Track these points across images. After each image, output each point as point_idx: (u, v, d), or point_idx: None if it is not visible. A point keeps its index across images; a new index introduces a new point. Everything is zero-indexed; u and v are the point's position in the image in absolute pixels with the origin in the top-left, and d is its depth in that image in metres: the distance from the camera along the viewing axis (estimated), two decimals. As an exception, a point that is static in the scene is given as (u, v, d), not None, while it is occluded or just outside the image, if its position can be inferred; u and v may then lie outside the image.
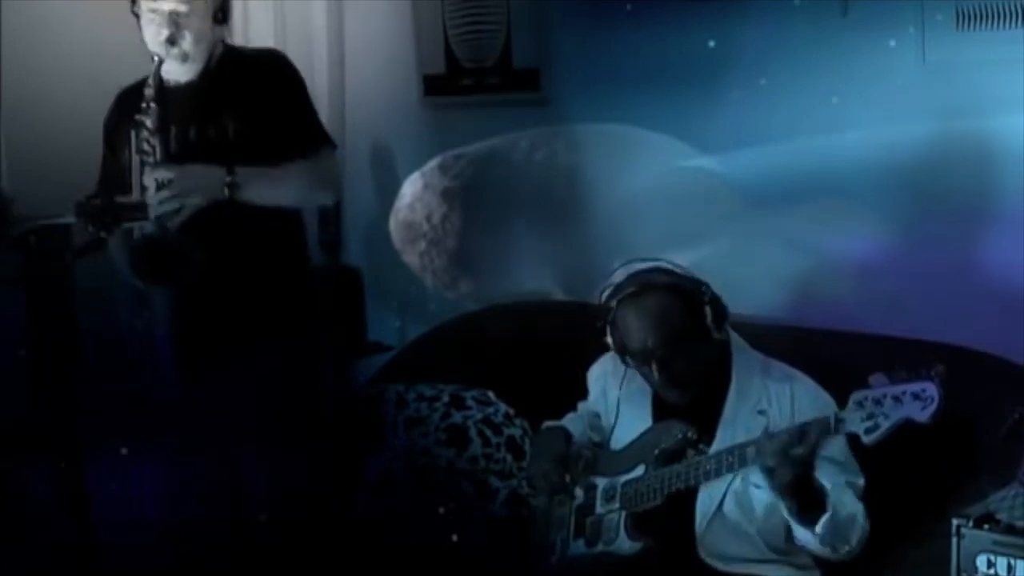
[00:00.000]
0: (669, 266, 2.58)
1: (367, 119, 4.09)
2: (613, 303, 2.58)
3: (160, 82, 2.75)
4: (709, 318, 2.52)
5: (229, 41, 2.93)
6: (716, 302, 2.54)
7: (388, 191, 4.12)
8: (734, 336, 2.62)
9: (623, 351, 2.59)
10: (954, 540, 2.06)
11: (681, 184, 3.41)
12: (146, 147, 2.69)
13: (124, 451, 2.91)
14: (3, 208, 3.15)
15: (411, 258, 4.10)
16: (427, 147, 4.03)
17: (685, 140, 3.41)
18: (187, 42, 2.77)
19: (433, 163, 4.01)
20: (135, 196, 2.69)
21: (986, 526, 2.04)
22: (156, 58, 2.74)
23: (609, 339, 2.61)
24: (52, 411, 2.65)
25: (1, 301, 2.77)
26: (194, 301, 2.75)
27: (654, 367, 2.52)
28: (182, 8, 2.75)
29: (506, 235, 3.84)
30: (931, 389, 2.11)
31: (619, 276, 2.61)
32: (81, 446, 2.68)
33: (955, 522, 2.06)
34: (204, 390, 2.80)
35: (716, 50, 3.27)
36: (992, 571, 2.02)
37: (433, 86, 3.99)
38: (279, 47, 3.96)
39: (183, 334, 2.80)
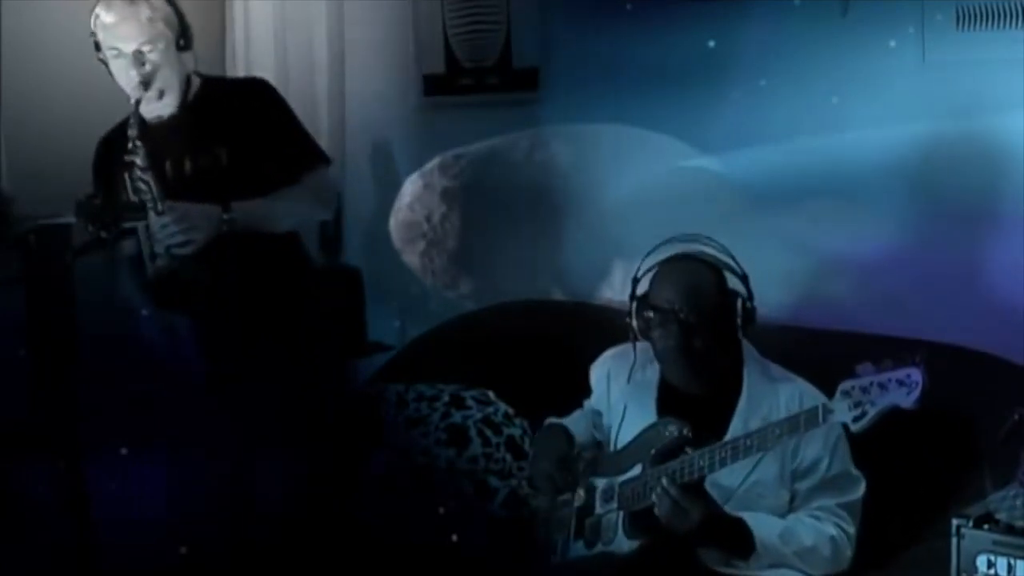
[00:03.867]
0: (721, 249, 2.58)
1: (367, 119, 4.09)
2: (654, 270, 2.58)
3: (141, 121, 2.76)
4: (740, 315, 2.52)
5: (197, 69, 2.93)
6: (750, 300, 2.54)
7: (388, 191, 4.12)
8: (747, 345, 2.62)
9: (646, 318, 2.56)
10: (954, 540, 2.05)
11: (681, 184, 3.41)
12: (141, 186, 2.72)
13: (124, 451, 2.90)
14: (3, 208, 3.15)
15: (411, 258, 4.10)
16: (427, 147, 4.03)
17: (685, 140, 3.41)
18: (160, 78, 2.78)
19: (433, 163, 4.01)
20: (141, 228, 2.74)
21: (986, 526, 2.04)
22: (133, 100, 2.75)
23: (632, 316, 2.59)
24: (52, 411, 2.65)
25: (1, 301, 2.77)
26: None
27: (674, 330, 2.51)
28: (145, 47, 2.76)
29: (506, 235, 3.84)
30: (915, 375, 2.13)
31: (666, 249, 2.60)
32: (81, 446, 2.68)
33: (955, 522, 2.06)
34: (204, 391, 2.81)
35: (716, 50, 3.27)
36: (992, 571, 2.02)
37: (433, 86, 3.99)
38: (279, 47, 3.98)
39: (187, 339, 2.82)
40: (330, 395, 2.98)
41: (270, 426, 2.80)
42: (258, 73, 3.85)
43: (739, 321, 2.53)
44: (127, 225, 2.77)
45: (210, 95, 2.89)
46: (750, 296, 2.55)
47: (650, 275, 2.60)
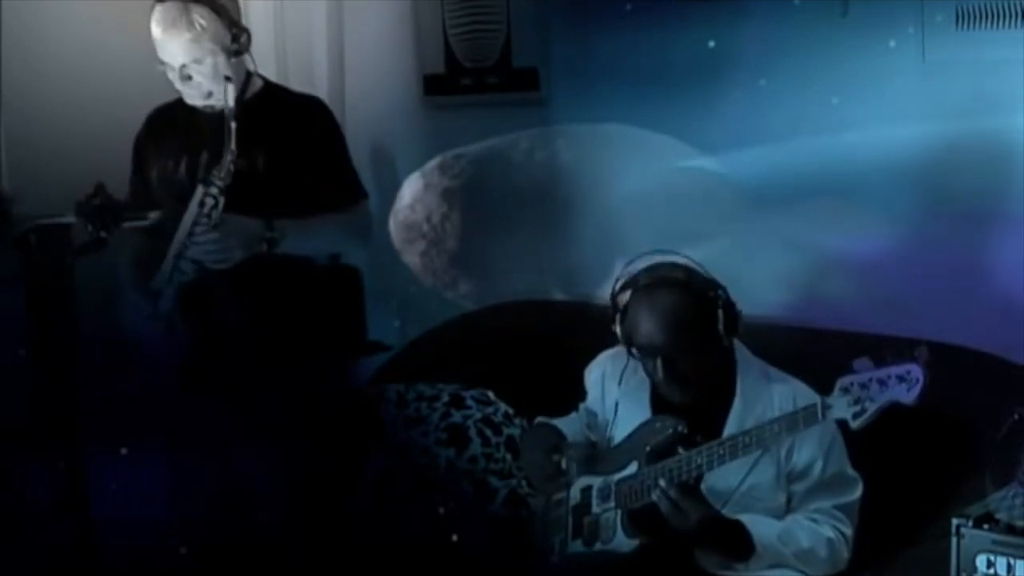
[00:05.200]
0: (689, 263, 2.55)
1: (367, 119, 4.09)
2: (627, 293, 2.55)
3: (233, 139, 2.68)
4: (721, 323, 2.49)
5: (260, 72, 2.90)
6: (730, 308, 2.51)
7: (388, 191, 4.12)
8: (740, 346, 2.60)
9: (629, 341, 2.57)
10: (954, 540, 2.06)
11: (681, 184, 3.41)
12: (209, 201, 2.66)
13: (124, 451, 2.91)
14: (3, 208, 3.15)
15: (411, 258, 4.10)
16: (427, 147, 4.03)
17: (685, 140, 3.41)
18: (210, 92, 2.74)
19: (433, 163, 4.01)
20: (180, 234, 2.69)
21: (986, 526, 2.04)
22: (228, 110, 2.66)
23: (617, 328, 2.58)
24: (52, 411, 2.65)
25: (1, 301, 2.77)
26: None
27: (659, 364, 2.50)
28: (192, 65, 2.72)
29: (506, 235, 3.84)
30: (915, 370, 2.13)
31: (636, 266, 2.57)
32: (81, 446, 2.68)
33: (955, 522, 2.07)
34: (206, 391, 2.81)
35: (716, 50, 3.27)
36: (992, 571, 2.02)
37: (433, 86, 3.99)
38: (279, 47, 3.98)
39: (189, 338, 2.82)
40: (330, 395, 2.97)
41: (270, 426, 2.80)
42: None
43: (723, 330, 2.50)
44: (128, 225, 2.77)
45: (268, 101, 2.86)
46: (730, 303, 2.51)
47: (628, 293, 2.56)
